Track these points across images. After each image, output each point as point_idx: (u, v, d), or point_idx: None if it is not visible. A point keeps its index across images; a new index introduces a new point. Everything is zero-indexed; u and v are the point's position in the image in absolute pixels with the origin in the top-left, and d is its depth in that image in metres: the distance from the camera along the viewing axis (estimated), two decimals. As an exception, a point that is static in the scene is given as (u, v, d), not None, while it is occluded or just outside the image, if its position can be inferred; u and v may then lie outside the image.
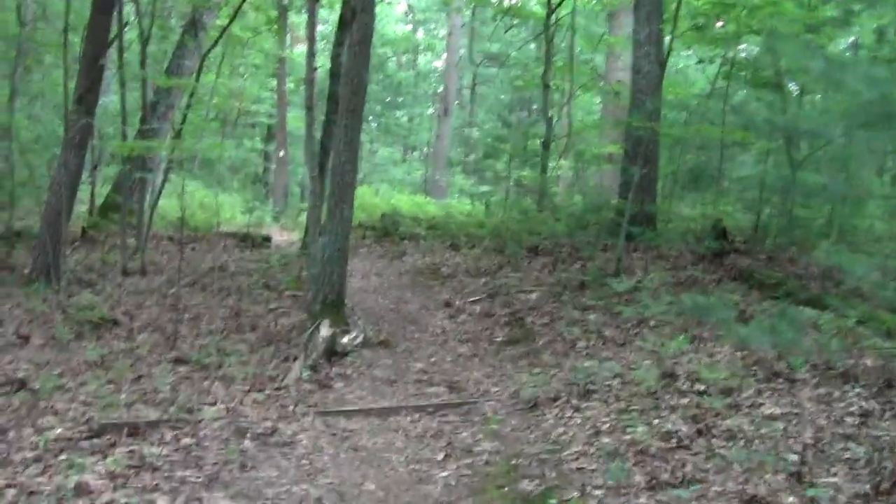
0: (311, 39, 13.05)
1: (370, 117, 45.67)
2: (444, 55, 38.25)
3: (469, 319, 12.83)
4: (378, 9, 43.29)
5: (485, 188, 28.48)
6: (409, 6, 47.77)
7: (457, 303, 13.87)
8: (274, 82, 35.98)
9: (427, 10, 46.96)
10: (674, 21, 14.72)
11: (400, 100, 45.50)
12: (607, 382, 8.64)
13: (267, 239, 19.69)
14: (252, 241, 19.19)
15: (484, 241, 18.53)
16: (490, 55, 43.24)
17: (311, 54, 12.96)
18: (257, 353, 10.44)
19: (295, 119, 34.12)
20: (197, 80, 17.60)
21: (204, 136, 34.91)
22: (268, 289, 14.27)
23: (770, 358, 8.93)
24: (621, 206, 14.80)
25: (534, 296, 13.61)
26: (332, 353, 10.09)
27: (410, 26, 49.25)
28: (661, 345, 9.79)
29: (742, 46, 20.47)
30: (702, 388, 8.13)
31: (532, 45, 33.30)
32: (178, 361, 9.95)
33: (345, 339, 10.36)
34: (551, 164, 21.43)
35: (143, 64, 15.99)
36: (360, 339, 10.63)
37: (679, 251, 15.57)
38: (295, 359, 9.95)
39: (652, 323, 11.01)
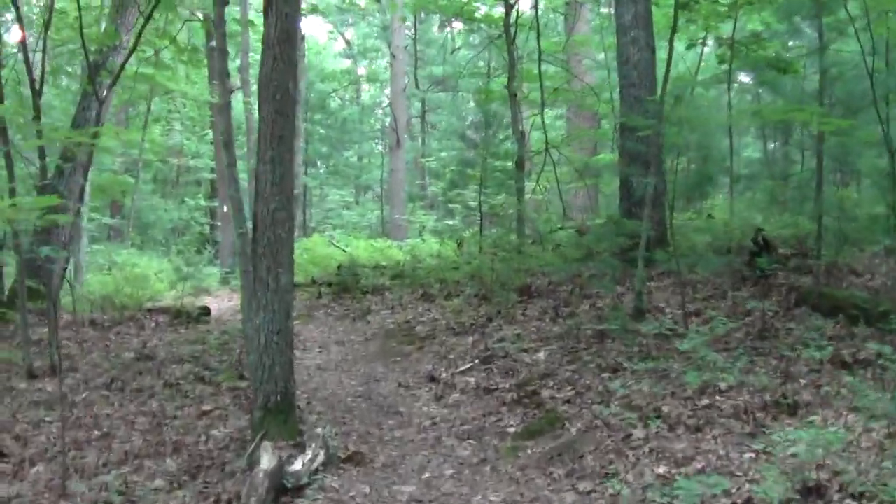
0: (222, 52, 9.78)
1: (318, 161, 42.65)
2: (389, 85, 35.24)
3: (463, 400, 9.69)
4: (313, 43, 40.78)
5: (452, 222, 25.39)
6: (347, 42, 44.78)
7: (443, 375, 10.76)
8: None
9: (366, 38, 43.98)
10: (677, -9, 11.68)
11: (346, 138, 42.41)
12: (713, 508, 5.52)
13: (205, 312, 16.42)
14: (187, 316, 15.93)
15: (462, 287, 15.43)
16: (436, 80, 40.39)
17: (224, 72, 9.72)
18: (178, 492, 7.26)
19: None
20: (96, 126, 14.37)
21: (138, 196, 32.20)
22: (202, 382, 11.05)
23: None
24: (632, 226, 11.75)
25: (542, 355, 10.53)
26: (281, 491, 6.85)
27: (350, 62, 46.26)
28: (761, 427, 6.73)
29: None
30: (878, 514, 5.04)
31: (481, 63, 30.38)
32: (67, 516, 6.84)
33: (297, 466, 7.09)
34: (528, 186, 18.45)
35: (37, 114, 12.89)
36: (320, 460, 7.38)
37: (705, 275, 12.56)
38: (229, 503, 6.77)
39: (723, 386, 7.92)
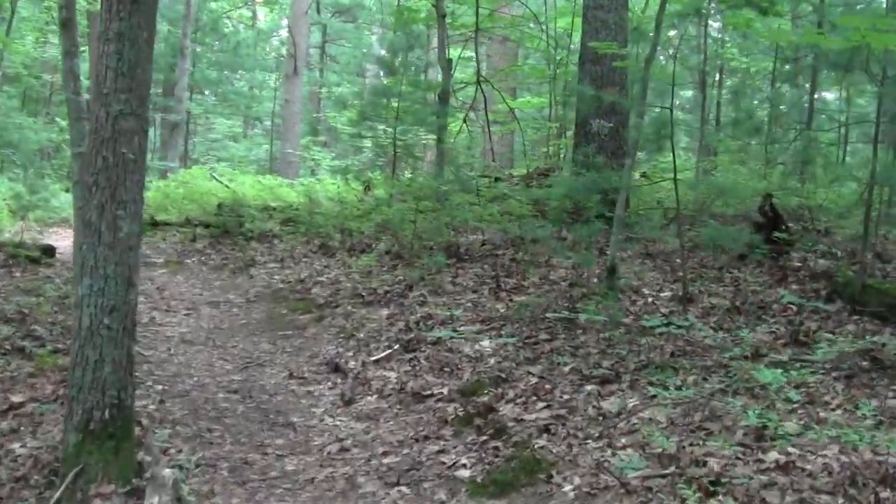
0: None
1: (205, 90, 38.96)
2: (289, 8, 31.81)
3: (384, 408, 6.87)
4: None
5: (352, 162, 22.29)
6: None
7: (351, 363, 7.95)
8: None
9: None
10: None
11: (238, 63, 38.74)
12: None
13: (48, 252, 13.18)
14: (27, 256, 12.66)
15: (371, 240, 12.58)
16: (341, 8, 37.19)
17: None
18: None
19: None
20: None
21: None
22: (20, 354, 8.01)
23: None
24: (616, 179, 9.02)
25: (487, 345, 7.77)
26: None
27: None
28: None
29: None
30: None
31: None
32: None
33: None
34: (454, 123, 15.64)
35: None
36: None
37: (678, 246, 9.97)
38: None
39: (789, 427, 5.22)
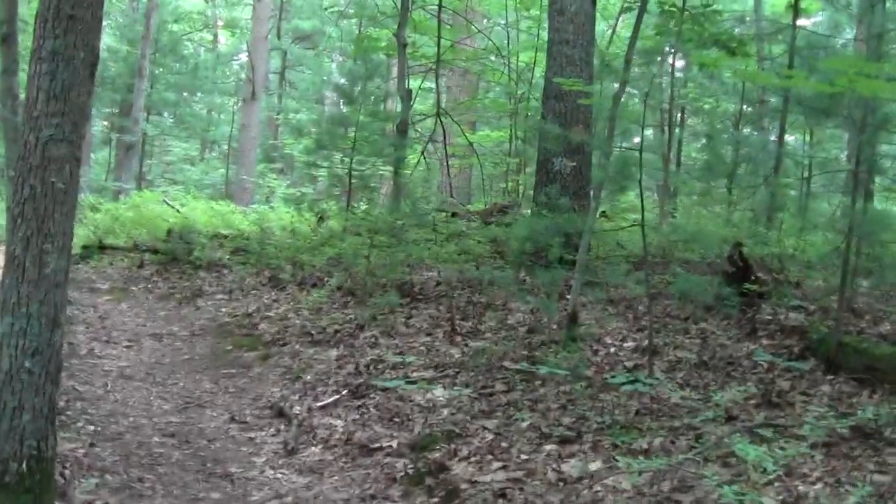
0: None
1: (163, 112, 38.34)
2: (249, 31, 31.38)
3: (329, 461, 6.43)
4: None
5: (308, 190, 21.90)
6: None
7: (296, 408, 7.51)
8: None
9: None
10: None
11: (197, 85, 38.15)
12: None
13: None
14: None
15: (322, 274, 12.14)
16: (302, 34, 36.83)
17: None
18: None
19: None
20: None
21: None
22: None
23: None
24: (577, 221, 8.69)
25: (440, 394, 7.38)
26: None
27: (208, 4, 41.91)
28: None
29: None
30: None
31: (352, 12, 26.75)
32: None
33: None
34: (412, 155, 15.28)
35: None
36: None
37: (642, 293, 9.62)
38: None
39: (764, 499, 4.86)
